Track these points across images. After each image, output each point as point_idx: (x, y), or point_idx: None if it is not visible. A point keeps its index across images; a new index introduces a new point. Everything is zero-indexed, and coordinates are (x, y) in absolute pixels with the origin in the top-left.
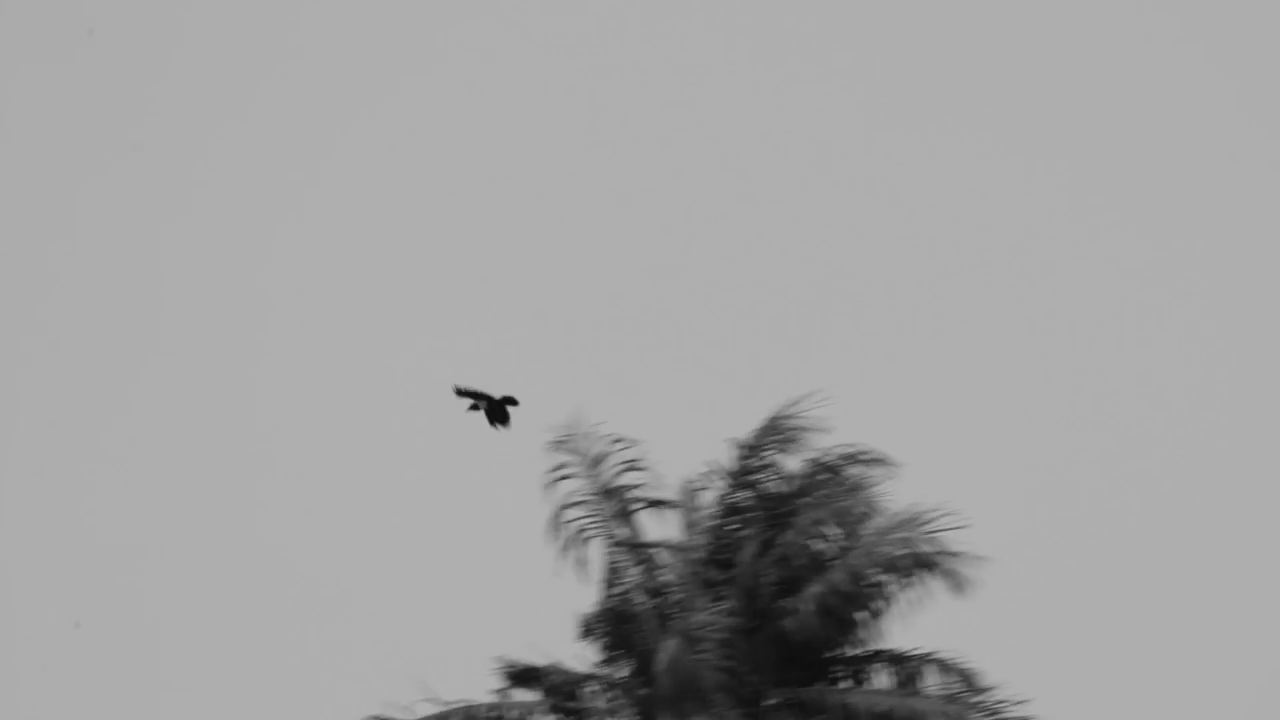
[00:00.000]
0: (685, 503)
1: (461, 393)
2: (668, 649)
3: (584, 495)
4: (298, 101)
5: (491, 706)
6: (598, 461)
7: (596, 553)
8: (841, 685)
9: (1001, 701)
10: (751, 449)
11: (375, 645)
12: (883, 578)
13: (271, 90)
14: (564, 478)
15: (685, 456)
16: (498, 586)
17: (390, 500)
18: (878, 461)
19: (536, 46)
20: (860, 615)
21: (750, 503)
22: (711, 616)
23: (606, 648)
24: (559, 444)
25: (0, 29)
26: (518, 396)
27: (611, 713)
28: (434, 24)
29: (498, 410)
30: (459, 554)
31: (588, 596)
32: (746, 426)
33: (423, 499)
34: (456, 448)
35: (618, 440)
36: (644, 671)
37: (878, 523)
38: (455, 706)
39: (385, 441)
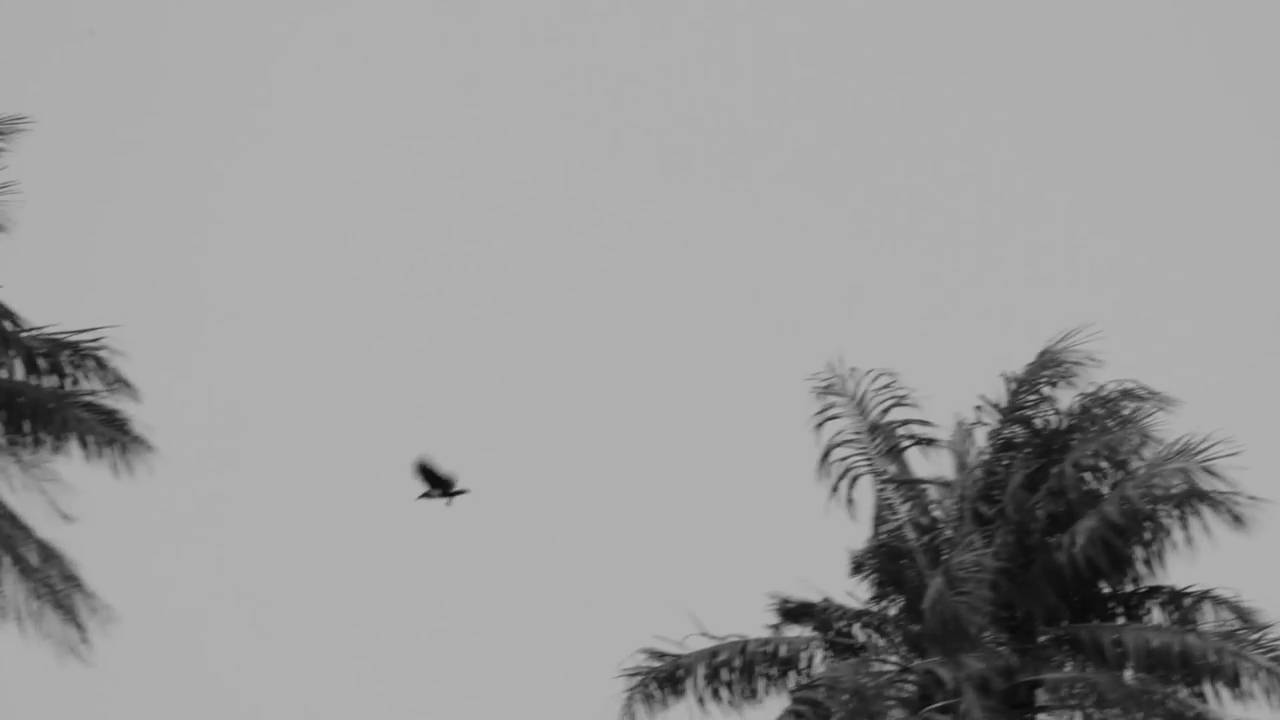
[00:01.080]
0: (956, 439)
1: (422, 470)
2: (934, 587)
3: (853, 434)
4: (303, 101)
5: (764, 641)
6: (866, 400)
7: (866, 490)
8: (1116, 622)
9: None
10: (1023, 383)
11: (651, 583)
12: (1158, 512)
13: (274, 90)
14: (832, 418)
15: (956, 393)
16: (771, 524)
17: (668, 441)
18: (1153, 397)
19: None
20: (1134, 550)
21: (1022, 438)
22: (979, 554)
23: (877, 584)
24: (826, 386)
25: (0, 29)
26: (469, 489)
27: (883, 649)
28: (433, 23)
29: (447, 494)
30: (733, 492)
31: (858, 534)
32: (1019, 361)
33: (698, 439)
34: (730, 386)
35: (885, 378)
36: (914, 608)
37: (1153, 457)
38: (728, 641)
39: (662, 383)
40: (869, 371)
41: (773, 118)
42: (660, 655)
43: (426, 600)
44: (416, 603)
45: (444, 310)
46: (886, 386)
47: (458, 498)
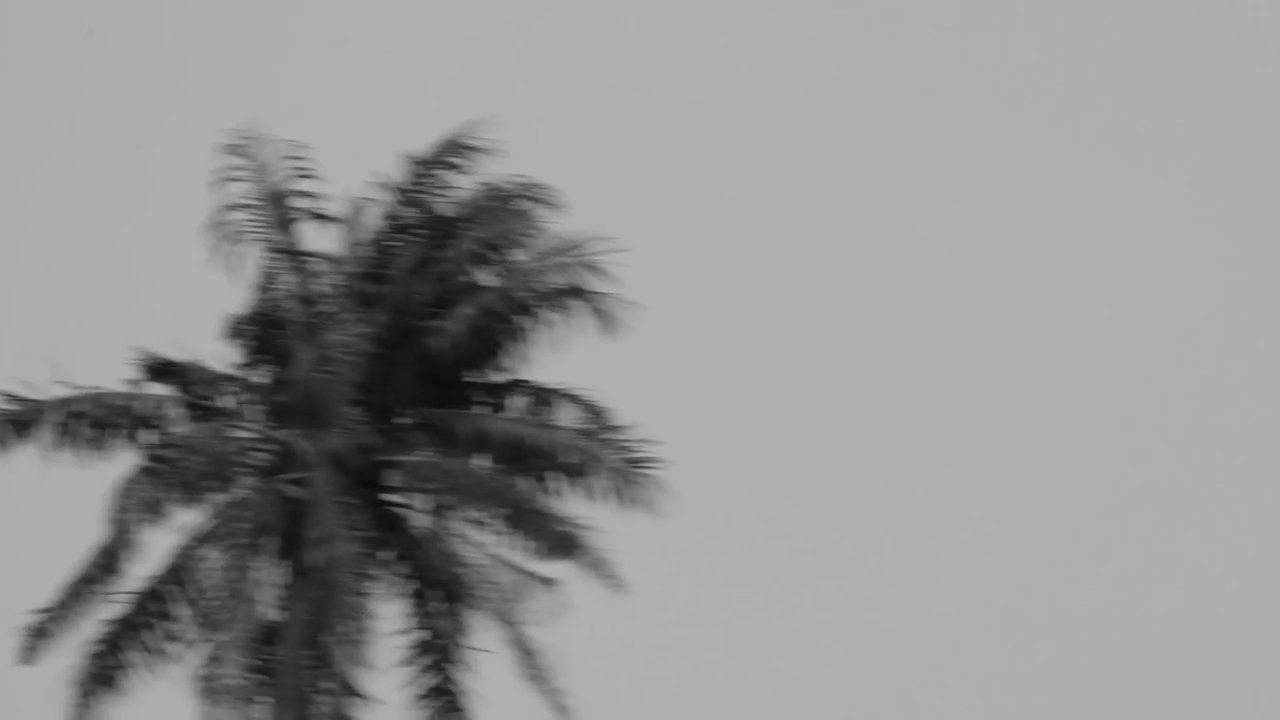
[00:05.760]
0: (350, 214)
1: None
2: (300, 361)
3: (250, 199)
4: (301, 101)
5: (124, 396)
6: (269, 168)
7: (253, 257)
8: (477, 411)
9: (632, 441)
10: (424, 165)
11: (13, 326)
12: (536, 305)
13: (274, 89)
14: (232, 179)
15: (359, 168)
16: (147, 280)
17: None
18: (546, 192)
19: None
20: (507, 342)
21: (416, 221)
22: (351, 333)
23: (250, 352)
24: (232, 147)
25: (0, 29)
26: None
27: (244, 416)
28: (432, 24)
29: None
30: (113, 239)
31: (238, 299)
32: (424, 142)
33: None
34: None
35: (294, 149)
36: (283, 379)
37: (538, 249)
38: (87, 392)
39: None
40: (279, 139)
41: None
42: (16, 399)
43: None
44: None
45: None
46: (293, 157)
47: None
